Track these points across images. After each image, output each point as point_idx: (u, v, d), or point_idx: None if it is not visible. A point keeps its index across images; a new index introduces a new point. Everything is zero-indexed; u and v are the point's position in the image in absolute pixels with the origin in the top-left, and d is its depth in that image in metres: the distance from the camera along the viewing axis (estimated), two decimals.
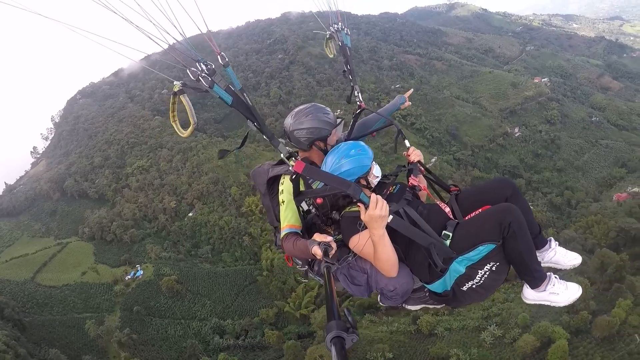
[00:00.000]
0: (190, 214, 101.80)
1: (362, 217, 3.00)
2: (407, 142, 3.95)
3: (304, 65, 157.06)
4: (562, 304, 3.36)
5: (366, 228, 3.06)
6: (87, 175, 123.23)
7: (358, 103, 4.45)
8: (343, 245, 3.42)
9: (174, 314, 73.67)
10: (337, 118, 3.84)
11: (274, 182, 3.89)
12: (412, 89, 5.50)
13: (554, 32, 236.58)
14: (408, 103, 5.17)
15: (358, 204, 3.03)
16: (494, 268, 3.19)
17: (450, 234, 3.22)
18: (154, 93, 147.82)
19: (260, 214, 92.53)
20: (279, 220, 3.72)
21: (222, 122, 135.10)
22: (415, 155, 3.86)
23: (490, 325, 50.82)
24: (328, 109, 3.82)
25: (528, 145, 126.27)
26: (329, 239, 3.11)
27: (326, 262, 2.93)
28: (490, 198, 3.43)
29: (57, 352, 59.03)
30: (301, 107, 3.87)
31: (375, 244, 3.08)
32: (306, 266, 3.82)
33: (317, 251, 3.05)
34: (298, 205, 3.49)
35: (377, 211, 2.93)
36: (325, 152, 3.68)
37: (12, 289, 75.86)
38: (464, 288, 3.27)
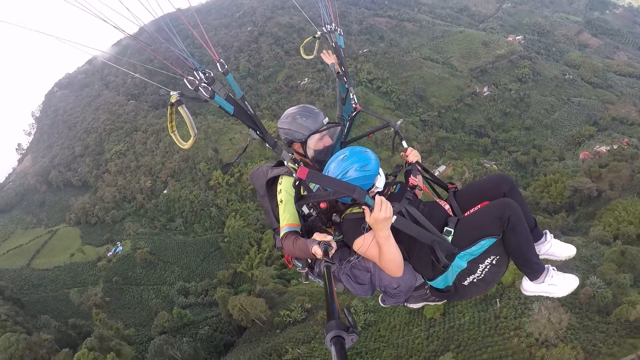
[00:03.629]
0: (165, 191, 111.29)
1: (368, 219, 3.08)
2: (404, 143, 4.02)
3: (272, 36, 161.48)
4: (560, 295, 3.49)
5: (370, 230, 3.16)
6: (70, 165, 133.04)
7: (354, 105, 4.47)
8: (344, 245, 3.54)
9: (148, 280, 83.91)
10: (330, 123, 3.86)
11: (272, 183, 3.89)
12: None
13: None
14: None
15: (362, 207, 3.12)
16: (494, 262, 3.34)
17: (452, 230, 3.33)
18: (127, 77, 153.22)
19: (227, 185, 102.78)
20: (278, 221, 3.75)
21: (194, 99, 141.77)
22: (414, 155, 3.95)
23: None
24: (318, 113, 3.81)
25: (497, 104, 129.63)
26: (328, 238, 3.15)
27: (326, 261, 2.90)
28: (489, 194, 3.57)
29: (47, 317, 68.07)
30: (293, 107, 3.92)
31: (380, 246, 3.15)
32: (307, 268, 3.78)
33: (317, 250, 3.08)
34: (299, 209, 3.53)
35: (382, 213, 3.02)
36: (304, 155, 3.83)
37: (10, 275, 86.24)
38: (466, 282, 3.41)
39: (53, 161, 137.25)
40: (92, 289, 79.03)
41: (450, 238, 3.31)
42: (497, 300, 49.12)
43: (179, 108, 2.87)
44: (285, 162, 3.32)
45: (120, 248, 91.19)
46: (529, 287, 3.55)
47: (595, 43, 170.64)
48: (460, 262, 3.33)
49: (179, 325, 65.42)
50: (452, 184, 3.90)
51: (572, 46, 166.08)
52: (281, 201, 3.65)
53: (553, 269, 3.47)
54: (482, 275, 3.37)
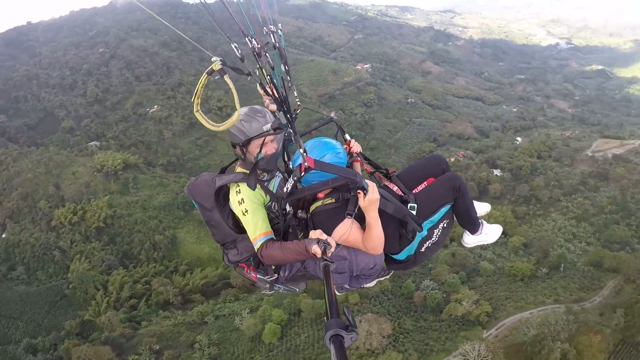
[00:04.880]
0: (3, 235, 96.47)
1: (361, 202, 3.32)
2: (347, 136, 4.25)
3: (124, 60, 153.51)
4: (492, 241, 4.39)
5: (351, 216, 3.40)
6: None
7: (298, 103, 4.31)
8: None
9: None
10: (276, 129, 3.61)
11: (221, 193, 3.72)
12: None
13: (387, 22, 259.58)
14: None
15: (357, 191, 3.34)
16: (445, 225, 4.00)
17: (415, 205, 3.79)
18: None
19: (70, 224, 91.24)
20: (239, 233, 3.68)
21: (36, 128, 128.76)
22: (357, 146, 4.22)
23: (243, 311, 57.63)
24: (263, 116, 3.59)
25: (343, 127, 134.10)
26: (324, 236, 3.18)
27: (325, 260, 2.94)
28: (431, 172, 4.12)
29: None
30: (244, 108, 3.66)
31: (372, 226, 3.39)
32: (275, 275, 3.81)
33: (317, 250, 3.10)
34: (283, 208, 3.54)
35: (374, 195, 3.30)
36: (243, 159, 3.73)
37: None
38: (423, 249, 3.97)
39: None
40: None
41: (414, 212, 3.77)
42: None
43: (225, 77, 2.88)
44: (300, 150, 3.37)
45: None
46: (470, 240, 4.40)
47: (436, 70, 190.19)
48: (422, 230, 3.86)
49: None
50: (391, 170, 4.30)
51: (415, 73, 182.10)
52: (246, 211, 3.49)
53: (485, 222, 4.38)
54: (437, 238, 4.00)
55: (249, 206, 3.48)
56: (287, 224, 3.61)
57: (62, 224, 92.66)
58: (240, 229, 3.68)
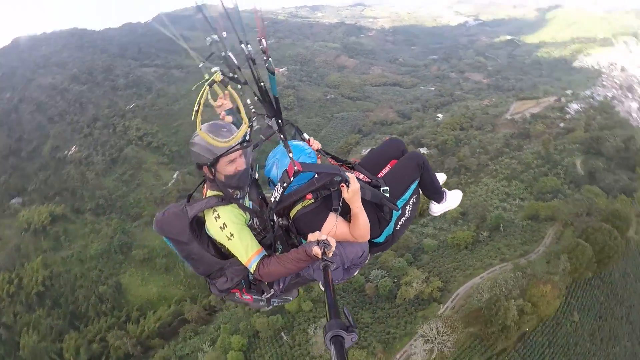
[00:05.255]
0: None
1: (346, 195, 3.33)
2: (305, 135, 4.12)
3: (33, 102, 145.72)
4: (456, 205, 4.71)
5: (338, 210, 3.44)
6: None
7: (253, 110, 4.04)
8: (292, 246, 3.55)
9: None
10: (245, 142, 3.33)
11: (196, 223, 3.52)
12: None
13: (298, 22, 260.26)
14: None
15: (341, 184, 3.32)
16: (414, 200, 4.22)
17: (388, 188, 3.87)
18: None
19: (9, 295, 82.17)
20: (224, 259, 3.57)
21: None
22: (316, 144, 4.07)
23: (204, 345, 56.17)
24: (227, 132, 3.24)
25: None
26: (323, 236, 3.05)
27: (325, 260, 2.88)
28: (392, 154, 4.36)
29: None
30: (205, 125, 3.28)
31: (358, 215, 3.42)
32: (272, 290, 3.72)
33: (318, 251, 2.99)
34: (271, 219, 3.51)
35: (356, 185, 3.33)
36: (212, 180, 3.43)
37: None
38: (398, 226, 4.10)
39: None
40: None
41: (387, 194, 3.89)
42: (283, 334, 51.83)
43: (229, 88, 3.01)
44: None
45: None
46: (437, 208, 4.71)
47: (352, 63, 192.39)
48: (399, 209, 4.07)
49: None
50: (353, 159, 4.41)
51: (331, 69, 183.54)
52: (232, 234, 3.35)
53: (447, 190, 4.71)
54: (409, 214, 4.20)
55: (233, 229, 3.33)
56: (275, 234, 3.56)
57: (0, 297, 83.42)
58: (223, 255, 3.60)
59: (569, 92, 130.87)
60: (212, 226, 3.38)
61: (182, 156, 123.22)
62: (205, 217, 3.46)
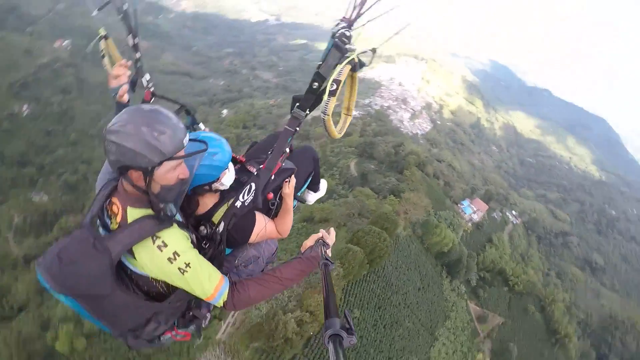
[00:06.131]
0: None
1: (287, 190, 3.39)
2: (201, 125, 3.79)
3: None
4: (324, 193, 4.74)
5: (274, 205, 3.47)
6: None
7: (152, 89, 3.55)
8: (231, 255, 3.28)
9: None
10: (195, 141, 2.52)
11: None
12: None
13: None
14: None
15: (285, 180, 3.38)
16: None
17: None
18: None
19: None
20: (160, 298, 2.57)
21: None
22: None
23: None
24: (177, 124, 2.28)
25: (38, 123, 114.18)
26: (320, 235, 3.07)
27: (325, 260, 2.70)
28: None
29: None
30: (133, 108, 2.26)
31: (289, 210, 3.43)
32: (207, 315, 3.01)
33: (318, 252, 2.95)
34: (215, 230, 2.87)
35: (294, 180, 3.44)
36: (145, 192, 2.33)
37: None
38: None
39: None
40: None
41: None
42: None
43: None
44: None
45: None
46: (312, 197, 4.70)
47: (144, 45, 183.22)
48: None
49: None
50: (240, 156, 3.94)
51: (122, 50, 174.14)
52: (188, 264, 2.41)
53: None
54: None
55: (188, 257, 2.43)
56: (219, 248, 2.90)
57: None
58: (156, 294, 2.59)
59: None
60: (152, 260, 2.36)
61: None
62: (139, 251, 2.35)
